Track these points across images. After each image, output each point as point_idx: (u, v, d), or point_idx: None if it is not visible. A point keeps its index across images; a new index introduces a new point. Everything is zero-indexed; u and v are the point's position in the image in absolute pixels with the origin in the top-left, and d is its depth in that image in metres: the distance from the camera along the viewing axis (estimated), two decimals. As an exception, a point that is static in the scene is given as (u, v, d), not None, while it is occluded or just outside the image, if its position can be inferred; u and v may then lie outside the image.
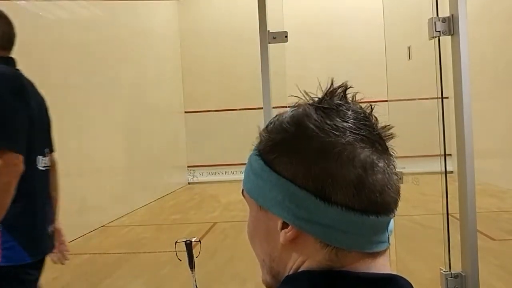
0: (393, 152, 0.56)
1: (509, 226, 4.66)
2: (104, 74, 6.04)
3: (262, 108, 1.83)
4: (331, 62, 9.04)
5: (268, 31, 1.87)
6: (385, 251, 0.55)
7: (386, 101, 3.51)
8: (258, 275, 0.63)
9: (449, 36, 1.63)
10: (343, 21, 9.26)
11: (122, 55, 6.67)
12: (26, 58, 4.63)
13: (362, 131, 0.52)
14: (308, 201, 0.51)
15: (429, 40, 1.66)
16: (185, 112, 9.91)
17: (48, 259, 1.76)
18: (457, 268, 1.62)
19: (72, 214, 5.01)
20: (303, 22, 8.89)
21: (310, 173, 0.51)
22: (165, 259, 3.84)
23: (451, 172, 1.80)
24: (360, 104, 0.56)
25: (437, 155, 1.75)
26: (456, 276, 1.60)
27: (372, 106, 0.56)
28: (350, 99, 0.56)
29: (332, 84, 0.56)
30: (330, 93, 0.56)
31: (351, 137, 0.51)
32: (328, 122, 0.52)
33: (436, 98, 1.76)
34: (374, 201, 0.51)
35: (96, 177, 5.61)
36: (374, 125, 0.55)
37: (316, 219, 0.51)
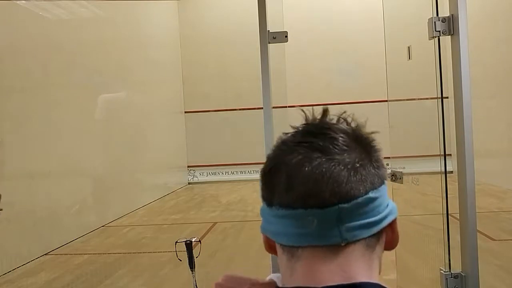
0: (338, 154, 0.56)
1: (509, 226, 4.65)
2: (104, 74, 6.04)
3: (262, 108, 1.83)
4: (331, 62, 9.04)
5: (268, 31, 1.87)
6: (345, 248, 0.54)
7: (386, 101, 3.51)
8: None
9: (449, 36, 1.63)
10: (343, 21, 9.26)
11: (122, 55, 6.67)
12: (26, 58, 4.65)
13: (307, 138, 0.57)
14: (264, 210, 0.59)
15: (429, 40, 1.66)
16: (185, 112, 9.91)
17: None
18: (457, 268, 1.62)
19: (72, 214, 5.02)
20: (303, 22, 8.88)
21: (261, 186, 0.59)
22: (165, 259, 3.84)
23: (451, 172, 1.80)
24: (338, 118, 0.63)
25: (437, 155, 1.75)
26: (456, 276, 1.60)
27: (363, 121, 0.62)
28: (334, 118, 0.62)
29: (324, 111, 0.64)
30: (313, 119, 0.62)
31: (287, 147, 0.57)
32: (286, 140, 0.59)
33: (436, 98, 1.76)
34: (295, 196, 0.54)
35: (96, 177, 5.61)
36: (324, 131, 0.58)
37: (270, 224, 0.57)
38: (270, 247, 0.60)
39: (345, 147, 0.56)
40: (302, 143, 0.57)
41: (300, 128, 0.60)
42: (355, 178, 0.54)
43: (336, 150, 0.55)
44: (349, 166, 0.54)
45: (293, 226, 0.54)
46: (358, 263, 0.54)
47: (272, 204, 0.57)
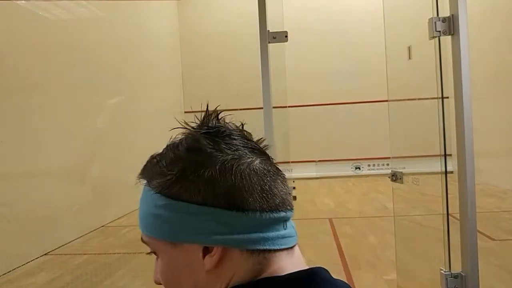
0: (272, 159, 0.61)
1: (509, 226, 4.65)
2: (104, 74, 6.04)
3: (262, 108, 1.83)
4: (331, 62, 9.04)
5: (268, 31, 1.87)
6: (295, 245, 0.60)
7: (386, 101, 3.51)
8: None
9: (449, 36, 1.63)
10: (343, 21, 9.26)
11: (122, 55, 6.67)
12: (26, 58, 4.64)
13: (249, 144, 0.59)
14: (226, 217, 0.54)
15: (429, 40, 1.67)
16: (185, 112, 9.91)
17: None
18: (457, 268, 1.62)
19: (72, 214, 5.02)
20: (303, 22, 8.89)
21: (219, 192, 0.54)
22: (165, 259, 3.84)
23: (451, 172, 1.80)
24: (231, 123, 0.62)
25: (437, 155, 1.75)
26: (456, 276, 1.60)
27: (243, 123, 0.64)
28: (222, 120, 0.62)
29: (207, 110, 0.63)
30: (207, 118, 0.62)
31: (242, 151, 0.57)
32: (220, 143, 0.57)
33: (436, 98, 1.76)
34: (278, 201, 0.57)
35: (96, 177, 5.62)
36: (252, 138, 0.61)
37: (238, 231, 0.54)
38: (219, 260, 0.55)
39: (269, 157, 0.62)
40: (248, 147, 0.59)
41: (222, 129, 0.60)
42: None
43: (270, 158, 0.62)
44: (282, 176, 0.61)
45: (278, 228, 0.57)
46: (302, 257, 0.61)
47: (244, 209, 0.54)
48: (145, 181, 0.60)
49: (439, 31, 1.62)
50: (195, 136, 0.59)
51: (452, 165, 1.71)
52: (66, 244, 4.62)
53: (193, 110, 0.65)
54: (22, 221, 3.99)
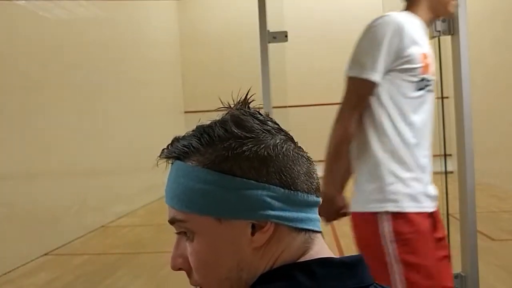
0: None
1: (509, 226, 4.65)
2: (104, 74, 6.04)
3: (262, 108, 1.83)
4: (331, 62, 9.03)
5: (268, 31, 1.87)
6: None
7: (386, 101, 3.51)
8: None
9: (449, 36, 1.63)
10: (343, 21, 9.25)
11: (122, 55, 6.67)
12: (26, 58, 4.64)
13: (283, 132, 0.61)
14: (278, 194, 0.55)
15: (429, 40, 1.66)
16: (185, 112, 9.90)
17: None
18: (457, 268, 1.62)
19: (72, 214, 5.02)
20: (303, 22, 8.88)
21: (272, 171, 0.55)
22: (165, 259, 3.81)
23: (451, 172, 1.80)
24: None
25: (437, 155, 1.75)
26: (456, 276, 1.60)
27: (267, 113, 0.63)
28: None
29: (246, 95, 0.63)
30: (244, 102, 0.62)
31: (284, 136, 0.59)
32: (266, 124, 0.59)
33: (436, 98, 1.76)
34: (316, 185, 0.60)
35: (96, 177, 5.61)
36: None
37: (290, 209, 0.56)
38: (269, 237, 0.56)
39: None
40: (284, 133, 0.61)
41: (256, 114, 0.60)
42: None
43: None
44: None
45: (316, 211, 0.60)
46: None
47: (296, 188, 0.57)
48: (176, 159, 0.61)
49: (439, 31, 1.62)
50: (242, 115, 0.59)
51: (452, 165, 1.71)
52: (66, 244, 4.62)
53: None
54: (22, 221, 3.99)
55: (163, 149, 0.63)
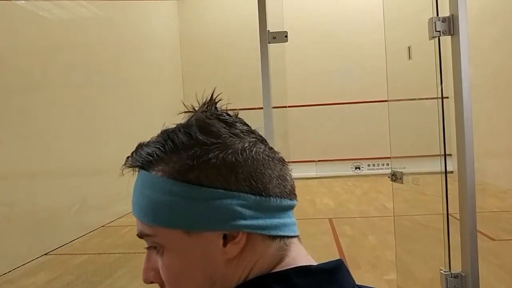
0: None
1: (509, 226, 4.65)
2: (104, 74, 6.04)
3: (262, 108, 1.83)
4: (331, 62, 9.03)
5: (268, 31, 1.87)
6: None
7: (386, 101, 3.51)
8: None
9: (449, 36, 1.63)
10: (343, 21, 9.25)
11: (122, 55, 6.67)
12: (26, 58, 4.64)
13: (255, 131, 0.58)
14: (249, 201, 0.52)
15: (429, 40, 1.66)
16: (185, 112, 9.89)
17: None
18: (457, 268, 1.62)
19: (72, 214, 5.02)
20: (303, 22, 8.88)
21: (241, 178, 0.52)
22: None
23: (451, 172, 1.80)
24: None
25: (437, 155, 1.75)
26: (456, 276, 1.60)
27: (237, 113, 0.61)
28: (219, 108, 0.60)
29: (212, 95, 0.61)
30: (210, 103, 0.60)
31: (254, 138, 0.56)
32: (233, 127, 0.56)
33: (436, 98, 1.76)
34: (290, 188, 0.57)
35: (96, 177, 5.61)
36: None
37: (262, 216, 0.53)
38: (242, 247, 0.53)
39: None
40: (254, 135, 0.58)
41: (225, 116, 0.58)
42: None
43: None
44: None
45: (291, 216, 0.58)
46: None
47: (267, 194, 0.54)
48: (141, 168, 0.56)
49: (439, 31, 1.62)
50: (207, 119, 0.56)
51: (452, 165, 1.71)
52: (66, 244, 4.62)
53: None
54: (22, 221, 3.99)
55: (127, 157, 0.58)
